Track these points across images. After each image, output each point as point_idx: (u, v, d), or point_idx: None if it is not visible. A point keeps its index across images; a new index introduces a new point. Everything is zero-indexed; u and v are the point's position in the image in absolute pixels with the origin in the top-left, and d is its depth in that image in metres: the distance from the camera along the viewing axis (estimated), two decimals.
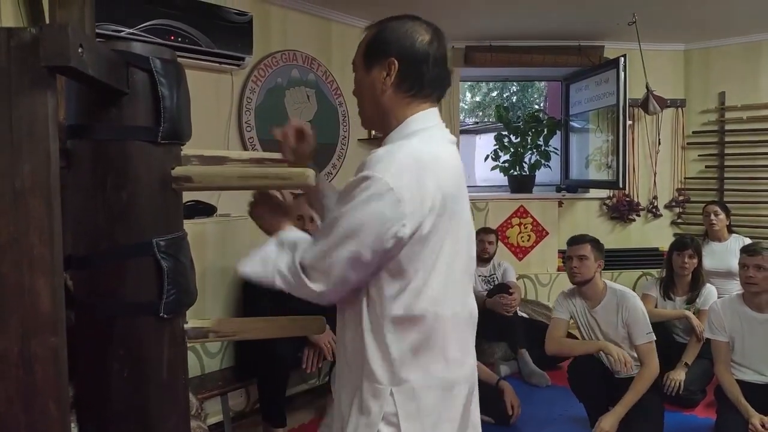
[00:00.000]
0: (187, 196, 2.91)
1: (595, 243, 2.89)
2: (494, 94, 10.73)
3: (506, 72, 5.32)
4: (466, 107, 10.45)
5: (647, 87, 4.51)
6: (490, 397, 2.95)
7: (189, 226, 2.92)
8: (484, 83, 9.73)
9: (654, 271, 4.85)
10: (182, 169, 1.23)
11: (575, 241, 2.92)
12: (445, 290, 1.24)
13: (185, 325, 1.29)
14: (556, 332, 2.96)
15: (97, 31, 2.47)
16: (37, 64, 0.88)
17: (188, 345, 2.57)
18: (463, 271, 1.31)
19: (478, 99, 11.14)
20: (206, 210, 3.01)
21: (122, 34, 2.55)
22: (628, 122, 4.56)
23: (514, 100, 10.15)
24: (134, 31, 2.60)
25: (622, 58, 4.32)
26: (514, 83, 9.06)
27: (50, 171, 0.91)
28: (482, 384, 3.00)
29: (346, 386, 1.28)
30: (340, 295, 1.23)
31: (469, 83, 8.29)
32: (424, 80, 1.26)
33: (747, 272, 2.66)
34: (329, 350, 2.78)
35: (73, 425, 1.24)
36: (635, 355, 2.77)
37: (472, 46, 4.71)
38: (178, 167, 1.23)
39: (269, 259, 1.25)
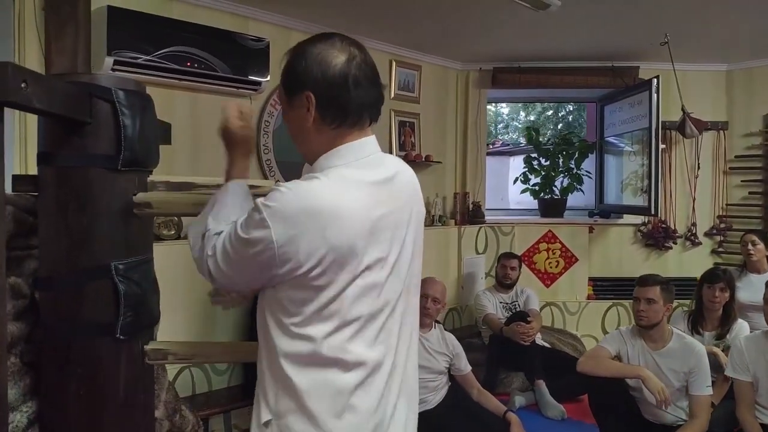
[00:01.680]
0: None
1: (666, 285, 2.76)
2: (549, 113, 10.59)
3: (538, 93, 5.28)
4: (519, 126, 10.33)
5: (683, 109, 4.39)
6: (497, 429, 2.88)
7: None
8: (539, 103, 9.62)
9: (690, 303, 4.65)
10: (143, 195, 1.27)
11: (644, 282, 2.78)
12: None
13: (145, 347, 1.32)
14: (596, 352, 2.85)
15: (115, 58, 2.60)
16: None
17: (194, 364, 2.59)
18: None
19: (532, 118, 11.00)
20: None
21: (139, 60, 2.67)
22: (662, 146, 4.41)
23: (570, 120, 9.97)
24: (152, 58, 2.72)
25: (655, 80, 4.20)
26: (570, 103, 8.92)
27: None
28: (490, 415, 2.97)
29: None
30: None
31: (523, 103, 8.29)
32: (348, 108, 1.15)
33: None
34: None
35: None
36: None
37: (500, 68, 4.69)
38: (140, 194, 1.28)
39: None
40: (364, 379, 1.16)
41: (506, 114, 10.79)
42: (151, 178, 1.37)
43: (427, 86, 4.50)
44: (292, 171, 3.58)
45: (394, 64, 4.24)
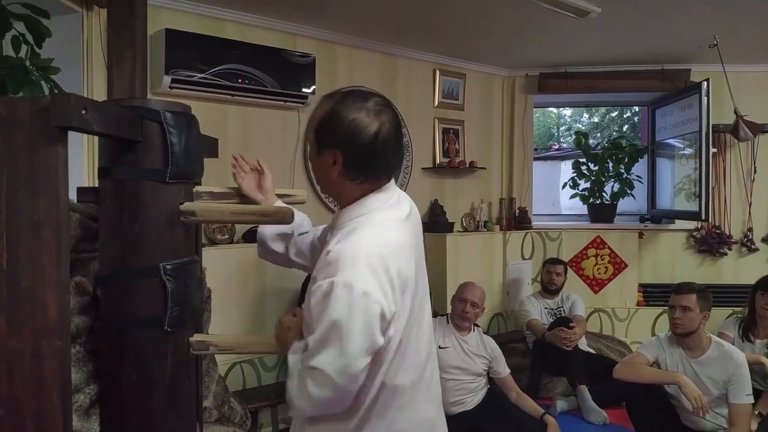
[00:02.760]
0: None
1: (702, 293, 2.75)
2: (614, 114, 10.39)
3: (587, 98, 5.25)
4: (582, 128, 10.19)
5: (736, 112, 4.28)
6: (533, 431, 2.93)
7: (251, 249, 3.19)
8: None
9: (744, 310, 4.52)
10: (188, 204, 1.43)
11: (680, 289, 2.78)
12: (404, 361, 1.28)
13: (190, 338, 1.48)
14: (633, 359, 2.87)
15: (172, 77, 2.83)
16: (50, 124, 1.12)
17: (246, 359, 2.77)
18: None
19: (596, 120, 10.81)
20: None
21: (194, 78, 2.89)
22: (713, 150, 4.32)
23: (636, 121, 9.76)
24: (205, 76, 2.94)
25: (705, 82, 4.13)
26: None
27: (59, 208, 1.14)
28: (528, 418, 3.02)
29: None
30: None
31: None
32: (371, 171, 1.28)
33: None
34: None
35: (95, 417, 1.47)
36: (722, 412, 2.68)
37: (546, 73, 4.71)
38: (186, 203, 1.44)
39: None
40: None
41: (569, 116, 10.63)
42: (197, 188, 1.54)
43: (471, 93, 4.58)
44: None
45: (438, 73, 4.34)
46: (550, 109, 10.49)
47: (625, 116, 9.91)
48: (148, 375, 1.40)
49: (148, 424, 1.40)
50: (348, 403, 1.24)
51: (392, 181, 1.36)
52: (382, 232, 1.25)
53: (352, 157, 1.25)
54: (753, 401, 2.63)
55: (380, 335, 1.19)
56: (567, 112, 10.45)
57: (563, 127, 10.89)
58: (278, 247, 1.60)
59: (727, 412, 2.66)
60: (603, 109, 10.33)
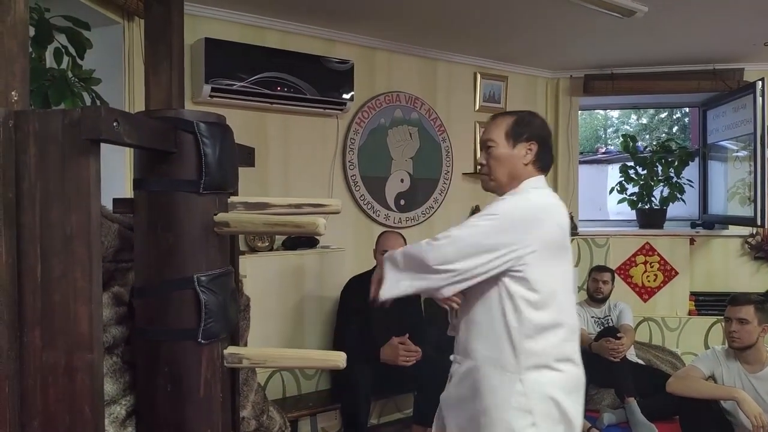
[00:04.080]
0: None
1: (761, 304, 2.63)
2: (663, 115, 10.09)
3: (634, 100, 5.08)
4: (630, 129, 9.93)
5: None
6: None
7: (291, 257, 3.21)
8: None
9: None
10: (222, 215, 1.42)
11: (736, 301, 2.68)
12: (561, 304, 1.70)
13: (224, 351, 1.46)
14: (687, 373, 2.76)
15: (212, 86, 2.86)
16: (82, 137, 1.11)
17: (280, 369, 2.72)
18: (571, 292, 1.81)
19: (644, 121, 10.52)
20: (308, 242, 3.27)
21: (234, 87, 2.91)
22: None
23: (686, 122, 9.46)
24: (245, 84, 2.95)
25: (760, 82, 3.94)
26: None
27: (91, 221, 1.14)
28: None
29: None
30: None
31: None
32: (547, 162, 1.79)
33: None
34: (405, 359, 2.98)
35: (131, 429, 1.47)
36: None
37: (592, 75, 4.58)
38: (221, 214, 1.43)
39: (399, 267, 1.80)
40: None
41: (616, 118, 10.37)
42: (231, 199, 1.52)
43: (513, 96, 4.49)
44: (376, 185, 3.72)
45: (478, 76, 4.27)
46: (597, 111, 10.24)
47: (675, 117, 9.59)
48: (182, 387, 1.38)
49: None
50: None
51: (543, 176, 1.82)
52: (540, 197, 1.76)
53: (542, 147, 1.76)
54: None
55: None
56: (614, 113, 10.18)
57: (610, 129, 10.61)
58: None
59: None
60: (651, 111, 10.01)
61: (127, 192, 2.59)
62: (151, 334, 1.40)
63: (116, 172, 2.56)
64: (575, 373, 1.77)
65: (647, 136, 9.75)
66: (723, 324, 2.70)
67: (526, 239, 1.64)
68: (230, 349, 1.48)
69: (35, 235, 1.13)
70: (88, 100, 1.99)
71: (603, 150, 8.47)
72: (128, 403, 1.47)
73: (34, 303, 1.14)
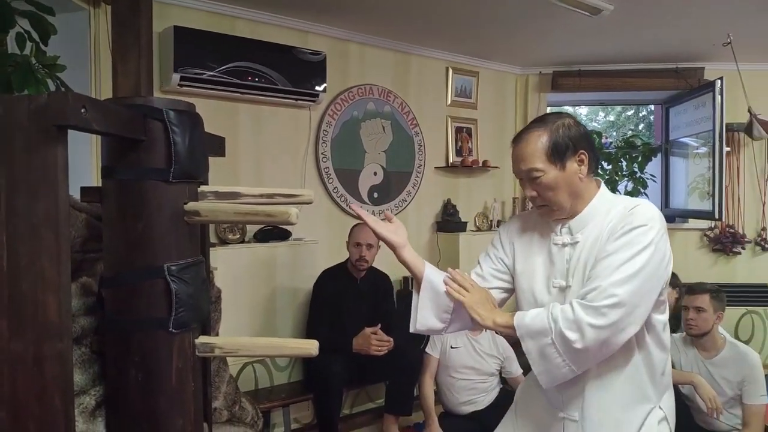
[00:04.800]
0: None
1: (716, 293, 2.72)
2: (630, 113, 10.30)
3: (601, 96, 5.19)
4: (599, 126, 10.11)
5: (750, 111, 4.22)
6: None
7: (263, 249, 3.19)
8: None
9: (760, 309, 4.46)
10: (193, 204, 1.41)
11: (693, 290, 2.76)
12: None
13: (196, 340, 1.46)
14: None
15: (181, 74, 2.82)
16: (48, 123, 1.09)
17: (253, 359, 2.74)
18: None
19: (612, 118, 10.72)
20: (281, 234, 3.26)
21: (204, 76, 2.88)
22: (726, 149, 4.25)
23: (652, 119, 9.68)
24: (215, 74, 2.92)
25: (719, 81, 4.06)
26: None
27: (59, 209, 1.12)
28: None
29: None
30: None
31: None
32: (598, 159, 1.63)
33: None
34: (377, 349, 2.97)
35: (100, 419, 1.46)
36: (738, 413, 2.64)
37: (560, 71, 4.66)
38: (191, 203, 1.42)
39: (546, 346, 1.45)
40: None
41: (585, 115, 10.56)
42: (202, 188, 1.51)
43: (484, 92, 4.54)
44: (348, 177, 3.73)
45: (450, 71, 4.30)
46: (566, 107, 10.39)
47: (641, 115, 9.81)
48: (153, 376, 1.37)
49: (154, 426, 1.38)
50: None
51: None
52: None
53: (591, 151, 1.53)
54: (766, 402, 2.58)
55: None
56: (583, 110, 10.37)
57: (597, 129, 10.83)
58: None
59: (740, 412, 2.62)
60: (619, 108, 10.22)
61: (93, 181, 2.54)
62: (121, 323, 1.39)
63: (82, 161, 2.51)
64: None
65: (614, 133, 9.97)
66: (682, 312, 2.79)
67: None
68: (202, 339, 1.47)
69: (1, 223, 1.11)
70: (52, 88, 1.94)
71: None
72: (97, 393, 1.46)
73: (1, 292, 1.12)
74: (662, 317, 1.54)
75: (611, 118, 10.67)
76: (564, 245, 1.55)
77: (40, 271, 1.12)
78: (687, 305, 2.70)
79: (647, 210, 1.46)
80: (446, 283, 1.61)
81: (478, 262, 1.75)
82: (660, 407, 1.55)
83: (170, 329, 1.37)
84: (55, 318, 1.13)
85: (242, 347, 1.51)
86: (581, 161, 1.51)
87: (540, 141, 1.51)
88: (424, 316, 1.64)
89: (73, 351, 1.35)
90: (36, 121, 1.10)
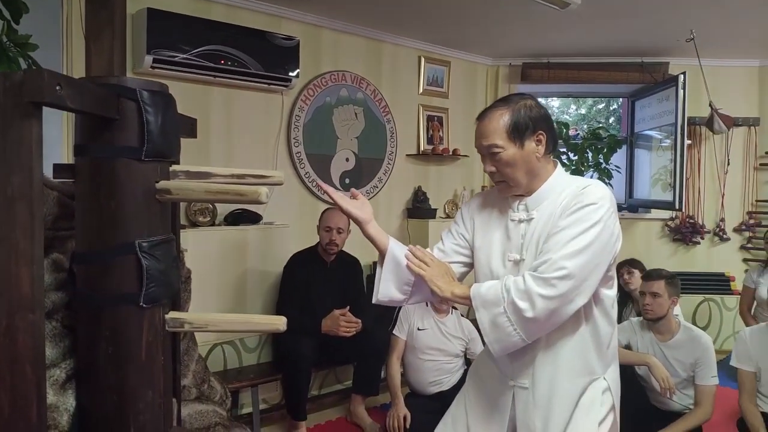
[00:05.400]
0: (235, 204, 3.21)
1: (670, 279, 2.84)
2: (601, 106, 10.48)
3: (569, 88, 5.30)
4: (570, 119, 10.27)
5: (711, 105, 4.36)
6: None
7: (233, 232, 3.22)
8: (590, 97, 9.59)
9: (717, 297, 4.64)
10: (164, 183, 1.44)
11: (650, 276, 2.87)
12: None
13: (166, 315, 1.50)
14: None
15: (154, 56, 2.82)
16: (23, 99, 1.12)
17: (226, 340, 2.77)
18: None
19: (583, 111, 10.89)
20: (251, 218, 3.29)
21: (176, 59, 2.88)
22: (688, 141, 4.40)
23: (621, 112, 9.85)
24: (188, 57, 2.93)
25: (682, 75, 4.20)
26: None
27: (33, 183, 1.15)
28: None
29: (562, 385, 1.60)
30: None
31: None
32: (556, 141, 1.66)
33: (748, 302, 2.57)
34: (346, 330, 3.03)
35: (70, 391, 1.49)
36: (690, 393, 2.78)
37: (529, 63, 4.75)
38: (162, 181, 1.45)
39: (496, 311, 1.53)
40: None
41: (557, 107, 10.71)
42: (173, 167, 1.55)
43: (456, 81, 4.60)
44: (320, 163, 3.77)
45: (423, 60, 4.36)
46: (539, 99, 10.52)
47: (611, 108, 10.00)
48: (123, 350, 1.41)
49: (123, 398, 1.42)
50: None
51: None
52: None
53: (550, 132, 1.61)
54: (717, 383, 2.72)
55: None
56: (555, 103, 10.52)
57: (563, 120, 11.00)
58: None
59: (693, 393, 2.75)
60: (590, 101, 10.41)
61: (64, 160, 2.54)
62: (92, 298, 1.42)
63: (52, 139, 2.51)
64: None
65: (585, 126, 10.15)
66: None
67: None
68: (172, 314, 1.51)
69: None
70: (24, 67, 1.95)
71: None
72: (68, 366, 1.49)
73: None
74: (610, 292, 1.62)
75: (583, 111, 10.86)
76: (520, 221, 1.63)
77: (14, 244, 1.15)
78: (644, 291, 2.81)
79: (598, 189, 1.55)
80: (407, 258, 1.68)
81: (441, 238, 1.82)
82: (604, 378, 1.64)
83: (141, 304, 1.41)
84: (27, 290, 1.16)
85: (211, 322, 1.56)
86: (539, 141, 1.59)
87: (502, 119, 1.59)
88: (386, 287, 1.70)
89: (45, 325, 1.38)
90: (11, 98, 1.12)
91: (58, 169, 1.47)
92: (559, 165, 1.68)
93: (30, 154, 1.14)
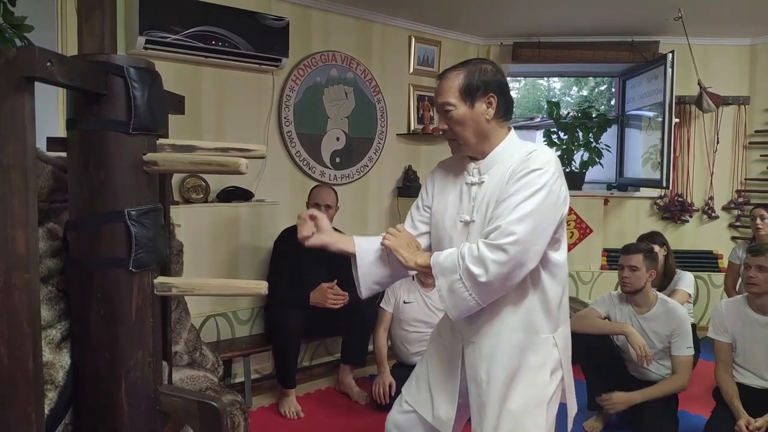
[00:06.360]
0: (228, 182, 3.30)
1: (648, 253, 2.93)
2: (603, 87, 10.49)
3: (560, 68, 5.35)
4: (572, 101, 10.30)
5: (700, 84, 4.42)
6: None
7: (226, 208, 3.32)
8: (591, 78, 9.59)
9: (704, 275, 4.73)
10: (151, 155, 1.53)
11: (628, 250, 2.96)
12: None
13: (154, 280, 1.60)
14: (585, 313, 3.05)
15: (146, 37, 2.89)
16: (16, 75, 1.21)
17: (220, 312, 2.86)
18: None
19: (585, 93, 10.90)
20: (243, 195, 3.38)
21: (168, 40, 2.95)
22: (675, 120, 4.46)
23: None
24: (180, 38, 3.00)
25: (670, 54, 4.25)
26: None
27: (26, 152, 1.24)
28: None
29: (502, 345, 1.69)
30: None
31: (575, 78, 8.44)
32: (510, 106, 1.72)
33: (749, 272, 2.65)
34: (333, 302, 3.13)
35: (66, 350, 1.59)
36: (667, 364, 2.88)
37: (520, 43, 4.79)
38: (149, 153, 1.54)
39: (452, 278, 1.62)
40: None
41: (558, 89, 10.72)
42: (161, 141, 1.64)
43: (446, 61, 4.64)
44: (311, 142, 3.84)
45: (413, 40, 4.41)
46: (541, 81, 10.55)
47: (613, 90, 10.01)
48: (114, 311, 1.51)
49: (115, 356, 1.52)
50: None
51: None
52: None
53: (502, 95, 1.68)
54: (693, 353, 2.83)
55: None
56: (557, 84, 10.53)
57: (554, 100, 11.00)
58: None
59: (670, 364, 2.86)
60: (592, 82, 10.41)
61: (59, 134, 2.63)
62: (85, 263, 1.52)
63: (48, 115, 2.60)
64: None
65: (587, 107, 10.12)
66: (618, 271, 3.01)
67: None
68: (160, 279, 1.61)
69: None
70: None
71: (539, 118, 8.81)
72: (63, 327, 1.59)
73: None
74: (557, 254, 1.70)
75: (585, 92, 10.88)
76: (473, 184, 1.73)
77: (10, 208, 1.24)
78: (623, 264, 2.91)
79: (543, 155, 1.63)
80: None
81: (410, 214, 1.92)
82: (553, 336, 1.73)
83: (130, 269, 1.51)
84: (23, 251, 1.26)
85: (197, 287, 1.65)
86: (489, 103, 1.67)
87: (457, 79, 1.68)
88: (365, 282, 1.82)
89: (41, 289, 1.48)
90: (6, 73, 1.21)
91: (52, 141, 1.56)
92: (512, 131, 1.76)
93: (23, 126, 1.23)
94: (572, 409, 1.83)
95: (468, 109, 1.66)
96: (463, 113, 1.67)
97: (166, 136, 1.67)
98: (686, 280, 3.71)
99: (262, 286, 1.65)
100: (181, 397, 1.64)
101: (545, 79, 10.05)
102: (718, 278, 4.70)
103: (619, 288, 2.99)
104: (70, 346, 1.58)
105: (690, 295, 3.67)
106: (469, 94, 1.66)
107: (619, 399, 2.79)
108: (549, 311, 1.70)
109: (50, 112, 2.59)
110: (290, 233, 3.36)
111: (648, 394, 2.79)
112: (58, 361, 1.57)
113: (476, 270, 1.56)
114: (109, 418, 1.50)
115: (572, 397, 1.82)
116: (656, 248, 3.94)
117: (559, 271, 1.72)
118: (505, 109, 1.70)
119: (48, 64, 1.22)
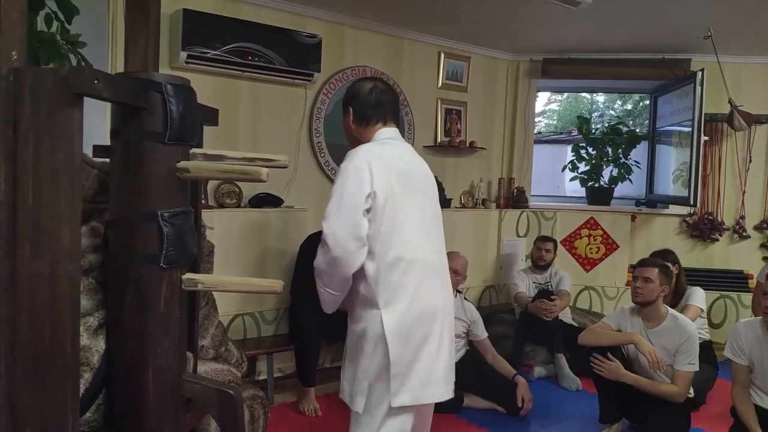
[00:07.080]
0: (259, 189, 3.48)
1: (664, 269, 2.97)
2: (647, 102, 10.34)
3: (590, 84, 5.39)
4: (616, 114, 10.21)
5: (731, 102, 4.41)
6: (504, 389, 3.18)
7: (256, 213, 3.50)
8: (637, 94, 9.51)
9: (734, 294, 4.69)
10: (184, 163, 1.70)
11: (644, 263, 3.02)
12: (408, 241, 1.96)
13: (182, 276, 1.76)
14: (596, 327, 3.10)
15: (188, 53, 3.10)
16: (68, 91, 1.39)
17: (247, 312, 3.02)
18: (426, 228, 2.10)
19: (629, 107, 10.80)
20: (274, 201, 3.55)
21: (208, 55, 3.16)
22: (705, 138, 4.46)
23: None
24: (219, 53, 3.20)
25: (700, 73, 4.26)
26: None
27: (74, 159, 1.41)
28: (500, 376, 3.27)
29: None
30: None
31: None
32: (367, 115, 2.05)
33: (759, 297, 2.67)
34: None
35: (101, 336, 1.77)
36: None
37: (550, 59, 4.86)
38: (183, 162, 1.71)
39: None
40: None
41: (602, 103, 10.63)
42: (193, 150, 1.80)
43: (475, 76, 4.76)
44: (339, 152, 3.99)
45: (442, 55, 4.53)
46: (583, 94, 10.48)
47: None
48: (145, 303, 1.68)
49: (144, 344, 1.68)
50: None
51: (390, 129, 2.07)
52: (377, 146, 2.01)
53: (357, 107, 2.05)
54: (694, 369, 2.84)
55: None
56: (600, 98, 10.45)
57: (596, 114, 10.83)
58: None
59: None
60: (636, 97, 10.28)
61: (105, 142, 2.85)
62: (121, 257, 1.69)
63: (96, 126, 2.82)
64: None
65: (631, 122, 10.05)
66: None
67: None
68: (187, 275, 1.77)
69: (28, 168, 1.39)
70: (74, 62, 2.24)
71: (575, 132, 8.78)
72: (100, 316, 1.77)
73: (27, 223, 1.42)
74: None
75: (629, 106, 10.73)
76: None
77: (57, 207, 1.42)
78: (637, 275, 2.95)
79: (350, 155, 1.96)
80: None
81: None
82: (380, 310, 1.96)
83: (161, 264, 1.68)
84: (67, 245, 1.43)
85: (220, 283, 1.82)
86: (347, 114, 2.09)
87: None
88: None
89: (82, 281, 1.66)
90: (58, 89, 1.39)
91: (98, 149, 1.75)
92: (375, 138, 2.05)
93: (72, 135, 1.41)
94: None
95: (344, 117, 2.13)
96: (343, 121, 2.15)
97: (200, 145, 1.84)
98: (697, 295, 3.71)
99: (278, 285, 1.79)
100: (201, 384, 1.79)
101: (589, 93, 9.98)
102: (748, 298, 4.64)
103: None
104: (106, 332, 1.76)
105: (702, 309, 3.67)
106: (344, 105, 2.12)
107: (611, 368, 2.86)
108: (368, 284, 1.97)
109: (98, 122, 2.81)
110: (316, 237, 3.50)
111: (642, 384, 2.83)
112: (94, 346, 1.74)
113: (315, 263, 2.06)
114: (136, 399, 1.67)
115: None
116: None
117: (372, 247, 1.96)
118: (360, 118, 2.06)
119: (95, 81, 1.40)
